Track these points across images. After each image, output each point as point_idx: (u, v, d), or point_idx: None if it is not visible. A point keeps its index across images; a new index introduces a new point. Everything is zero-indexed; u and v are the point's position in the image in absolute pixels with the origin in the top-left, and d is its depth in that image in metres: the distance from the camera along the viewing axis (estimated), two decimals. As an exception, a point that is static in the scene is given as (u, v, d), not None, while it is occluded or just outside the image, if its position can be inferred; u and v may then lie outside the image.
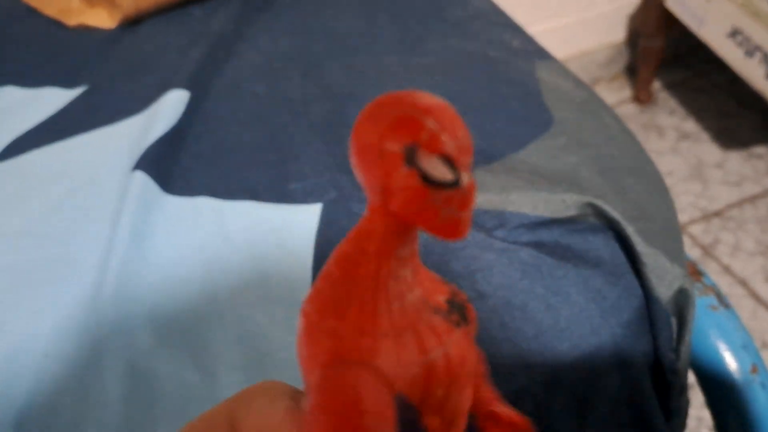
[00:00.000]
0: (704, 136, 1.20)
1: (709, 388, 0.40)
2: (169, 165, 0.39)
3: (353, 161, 0.11)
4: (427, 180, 0.10)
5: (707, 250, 1.02)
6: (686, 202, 1.09)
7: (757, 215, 1.06)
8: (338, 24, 0.53)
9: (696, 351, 0.39)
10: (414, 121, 0.10)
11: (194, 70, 0.46)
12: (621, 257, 0.35)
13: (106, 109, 0.45)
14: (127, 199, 0.37)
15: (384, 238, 0.11)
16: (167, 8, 0.56)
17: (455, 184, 0.10)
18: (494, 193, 0.35)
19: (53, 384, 0.31)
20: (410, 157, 0.10)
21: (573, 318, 0.33)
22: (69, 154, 0.42)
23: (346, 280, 0.12)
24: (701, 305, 0.40)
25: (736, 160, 1.15)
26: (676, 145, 1.19)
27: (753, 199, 1.09)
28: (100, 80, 0.49)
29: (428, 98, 0.10)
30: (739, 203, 1.08)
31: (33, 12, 0.58)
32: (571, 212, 0.35)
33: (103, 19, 0.55)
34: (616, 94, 1.32)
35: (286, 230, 0.35)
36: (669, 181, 1.13)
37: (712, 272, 0.98)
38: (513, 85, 0.44)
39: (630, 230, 0.34)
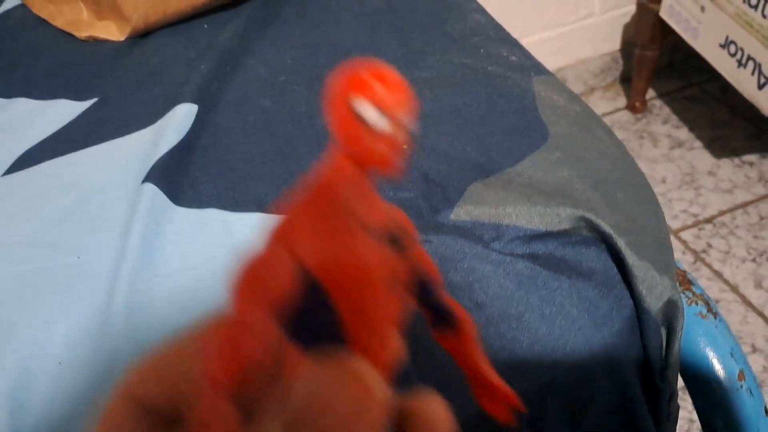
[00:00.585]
0: (697, 144, 1.22)
1: (698, 393, 0.41)
2: (179, 177, 0.41)
3: (324, 109, 0.15)
4: (361, 121, 0.14)
5: (699, 256, 1.03)
6: (679, 209, 1.11)
7: (748, 222, 1.08)
8: (342, 37, 0.55)
9: (685, 358, 0.40)
10: (364, 81, 0.14)
11: (202, 84, 0.48)
12: (613, 269, 0.36)
13: (117, 122, 0.46)
14: (138, 210, 0.38)
15: (343, 169, 0.15)
16: (175, 21, 0.57)
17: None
18: (491, 207, 0.37)
19: (69, 392, 0.32)
20: (355, 106, 0.14)
21: (566, 327, 0.34)
22: (80, 165, 0.43)
23: (318, 200, 0.16)
24: (690, 313, 0.41)
25: (728, 167, 1.17)
26: (669, 152, 1.21)
27: (744, 206, 1.10)
28: (110, 92, 0.50)
29: (382, 67, 0.14)
30: (731, 210, 1.10)
31: (44, 23, 0.59)
32: (565, 225, 0.36)
33: (112, 32, 0.56)
34: (611, 103, 1.34)
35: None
36: (662, 188, 1.14)
37: (704, 278, 1.00)
38: (511, 99, 0.46)
39: (621, 243, 0.36)
